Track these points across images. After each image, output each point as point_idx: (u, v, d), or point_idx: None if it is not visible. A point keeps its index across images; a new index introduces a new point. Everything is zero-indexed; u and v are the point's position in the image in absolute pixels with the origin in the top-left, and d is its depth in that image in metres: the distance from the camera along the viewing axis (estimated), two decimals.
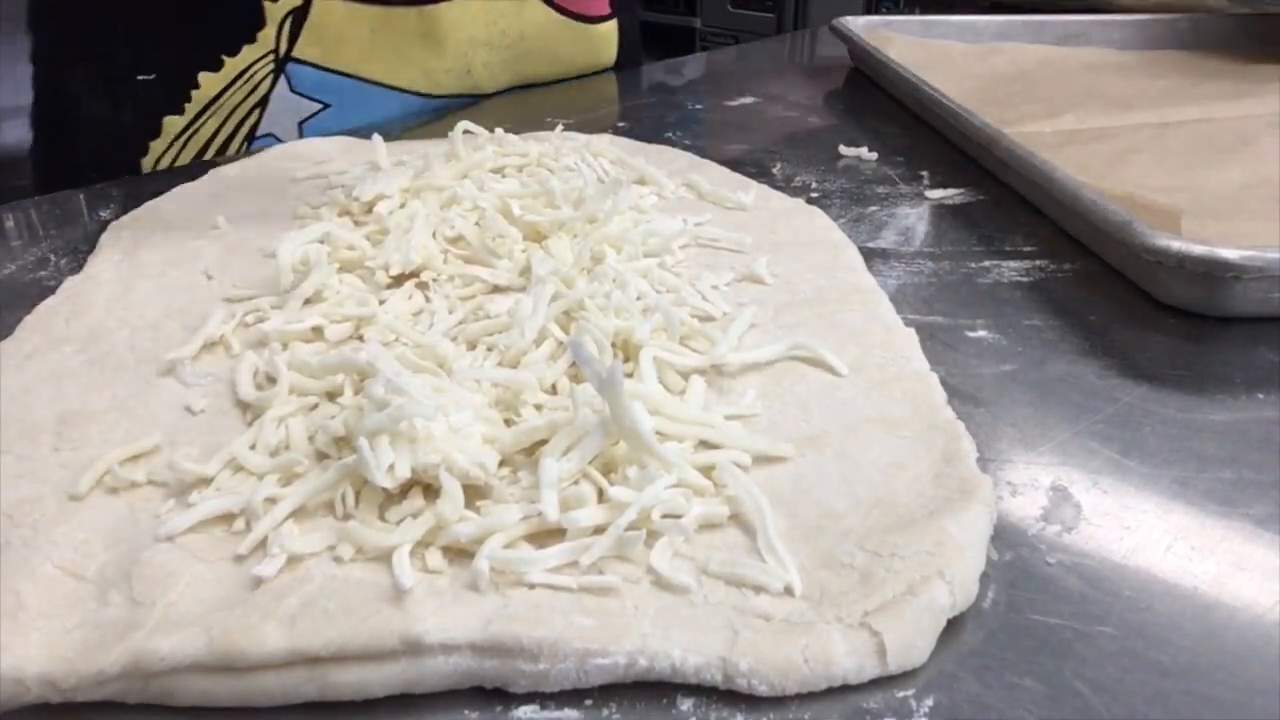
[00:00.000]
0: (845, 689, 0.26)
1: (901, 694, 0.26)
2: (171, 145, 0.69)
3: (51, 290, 0.45)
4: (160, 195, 0.55)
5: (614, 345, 0.39)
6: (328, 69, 0.71)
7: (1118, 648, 0.27)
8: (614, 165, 0.57)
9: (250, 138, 0.71)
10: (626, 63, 0.88)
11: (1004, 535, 0.32)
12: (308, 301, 0.42)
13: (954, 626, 0.28)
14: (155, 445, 0.34)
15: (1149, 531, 0.32)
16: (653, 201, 0.53)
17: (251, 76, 0.68)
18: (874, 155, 0.65)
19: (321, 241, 0.45)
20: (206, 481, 0.32)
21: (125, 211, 0.53)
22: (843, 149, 0.66)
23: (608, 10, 0.85)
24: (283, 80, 0.70)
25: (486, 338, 0.39)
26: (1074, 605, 0.29)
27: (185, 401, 0.37)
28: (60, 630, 0.27)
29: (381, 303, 0.42)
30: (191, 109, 0.68)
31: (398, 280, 0.44)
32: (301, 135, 0.71)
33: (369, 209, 0.50)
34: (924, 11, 0.96)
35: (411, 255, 0.44)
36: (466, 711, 0.26)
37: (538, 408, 0.35)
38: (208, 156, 0.69)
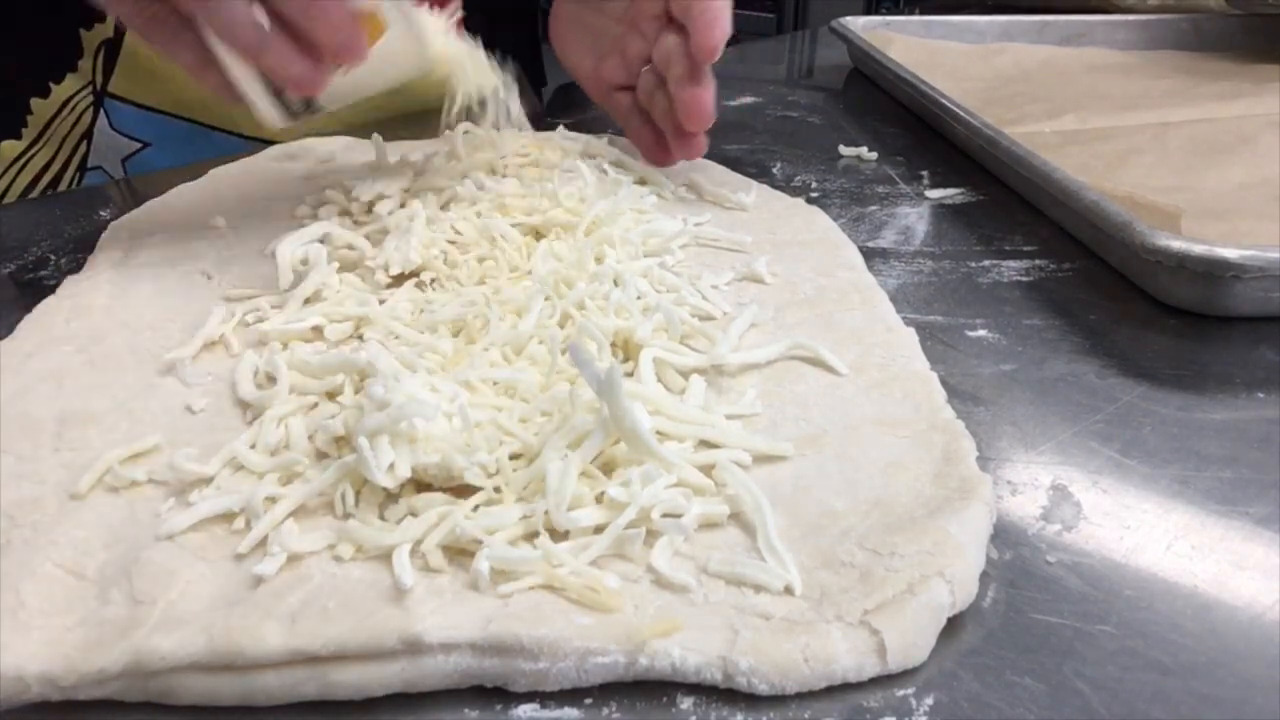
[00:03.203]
0: (845, 688, 0.26)
1: (901, 693, 0.26)
2: (8, 171, 0.68)
3: (51, 290, 0.45)
4: (160, 195, 0.55)
5: (614, 345, 0.39)
6: (146, 106, 0.68)
7: (1118, 646, 0.27)
8: (614, 165, 0.57)
9: (82, 169, 0.69)
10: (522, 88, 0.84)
11: (1004, 534, 0.32)
12: (307, 301, 0.42)
13: (954, 625, 0.28)
14: (155, 445, 0.34)
15: (1149, 531, 0.32)
16: (653, 201, 0.53)
17: (75, 106, 0.67)
18: (874, 155, 0.65)
19: (321, 241, 0.45)
20: (207, 481, 0.32)
21: (125, 211, 0.53)
22: (843, 149, 0.66)
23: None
24: (103, 115, 0.68)
25: (486, 337, 0.39)
26: (1074, 604, 0.29)
27: (185, 401, 0.37)
28: (61, 629, 0.27)
29: (381, 303, 0.42)
30: (27, 134, 0.67)
31: (398, 280, 0.44)
32: (126, 173, 0.69)
33: (369, 209, 0.50)
34: (924, 12, 0.96)
35: (411, 255, 0.44)
36: (466, 710, 0.26)
37: (539, 412, 0.35)
38: (41, 184, 0.68)
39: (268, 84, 0.44)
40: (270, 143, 0.67)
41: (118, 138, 0.69)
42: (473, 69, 0.50)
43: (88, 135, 0.68)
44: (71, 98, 0.67)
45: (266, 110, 0.45)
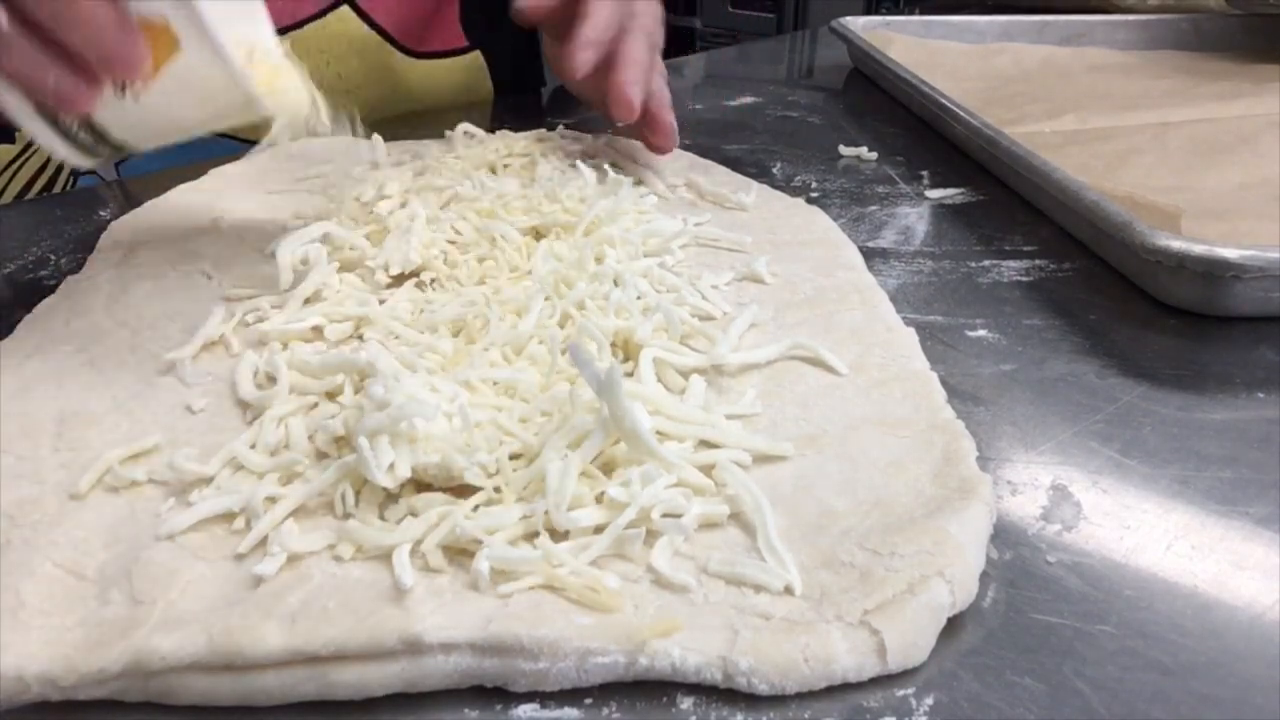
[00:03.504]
0: (845, 688, 0.26)
1: (901, 693, 0.26)
2: (2, 175, 0.67)
3: (51, 290, 0.45)
4: (160, 195, 0.55)
5: (614, 345, 0.39)
6: None
7: (1118, 646, 0.27)
8: (613, 165, 0.57)
9: (75, 172, 0.68)
10: (519, 87, 0.84)
11: (1004, 534, 0.32)
12: (307, 301, 0.42)
13: (954, 625, 0.28)
14: (155, 445, 0.34)
15: (1149, 531, 0.32)
16: (652, 201, 0.53)
17: None
18: (874, 155, 0.65)
19: (321, 241, 0.45)
20: (207, 481, 0.32)
21: (125, 211, 0.53)
22: (843, 149, 0.66)
23: (463, 43, 0.79)
24: None
25: (486, 337, 0.39)
26: (1074, 604, 0.29)
27: (185, 401, 0.37)
28: (61, 628, 0.27)
29: (381, 302, 0.42)
30: (21, 138, 0.67)
31: (398, 280, 0.44)
32: (120, 175, 0.68)
33: (369, 209, 0.50)
34: (924, 12, 0.96)
35: (411, 255, 0.44)
36: (466, 710, 0.26)
37: (539, 412, 0.35)
38: (36, 188, 0.67)
39: (43, 109, 0.37)
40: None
41: None
42: (294, 104, 0.41)
43: None
44: None
45: (46, 138, 0.38)
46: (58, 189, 0.68)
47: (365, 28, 0.70)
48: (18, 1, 0.33)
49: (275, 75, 0.39)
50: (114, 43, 0.34)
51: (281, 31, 0.40)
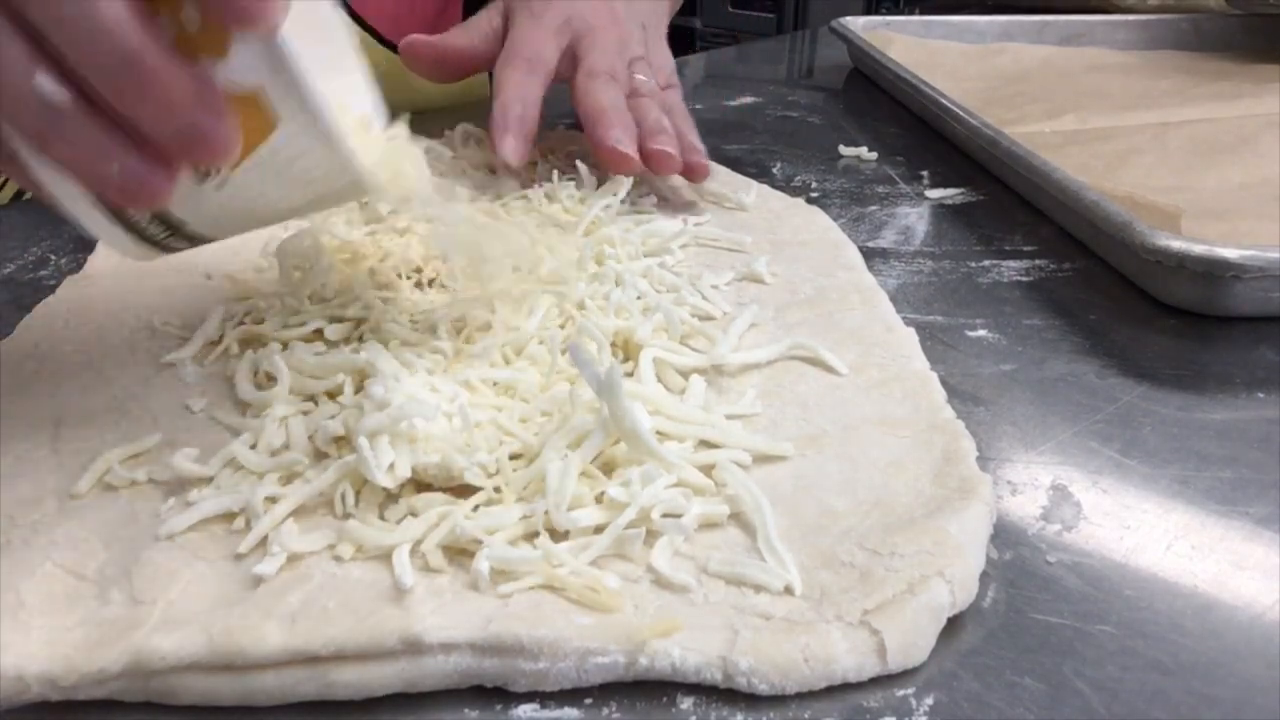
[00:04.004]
0: (845, 688, 0.26)
1: (901, 693, 0.26)
2: None
3: (51, 290, 0.45)
4: None
5: (614, 345, 0.39)
6: None
7: (1118, 646, 0.27)
8: None
9: None
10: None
11: (1004, 534, 0.32)
12: (307, 300, 0.42)
13: (954, 625, 0.28)
14: (155, 444, 0.34)
15: (1149, 530, 0.32)
16: (653, 201, 0.53)
17: None
18: (874, 155, 0.65)
19: (321, 241, 0.45)
20: (206, 481, 0.32)
21: None
22: (843, 149, 0.66)
23: None
24: None
25: (486, 337, 0.39)
26: (1074, 604, 0.29)
27: (185, 401, 0.37)
28: (61, 628, 0.27)
29: (383, 301, 0.42)
30: None
31: (397, 280, 0.44)
32: None
33: (369, 208, 0.49)
34: (924, 12, 0.96)
35: (411, 255, 0.44)
36: (466, 710, 0.26)
37: (539, 412, 0.35)
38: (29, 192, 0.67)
39: (104, 199, 0.30)
40: None
41: None
42: (410, 181, 0.35)
43: None
44: None
45: (104, 234, 0.31)
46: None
47: (359, 29, 0.70)
48: (80, 74, 0.26)
49: (385, 150, 0.34)
50: (197, 122, 0.27)
51: None
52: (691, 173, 0.53)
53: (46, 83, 0.26)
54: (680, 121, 0.55)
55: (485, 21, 0.59)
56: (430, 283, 0.44)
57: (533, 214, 0.49)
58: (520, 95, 0.53)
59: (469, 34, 0.59)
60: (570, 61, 0.56)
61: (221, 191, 0.30)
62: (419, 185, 0.35)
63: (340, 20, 0.33)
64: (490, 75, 0.79)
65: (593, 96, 0.53)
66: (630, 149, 0.51)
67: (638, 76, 0.57)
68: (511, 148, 0.52)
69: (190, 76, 0.27)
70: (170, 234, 0.32)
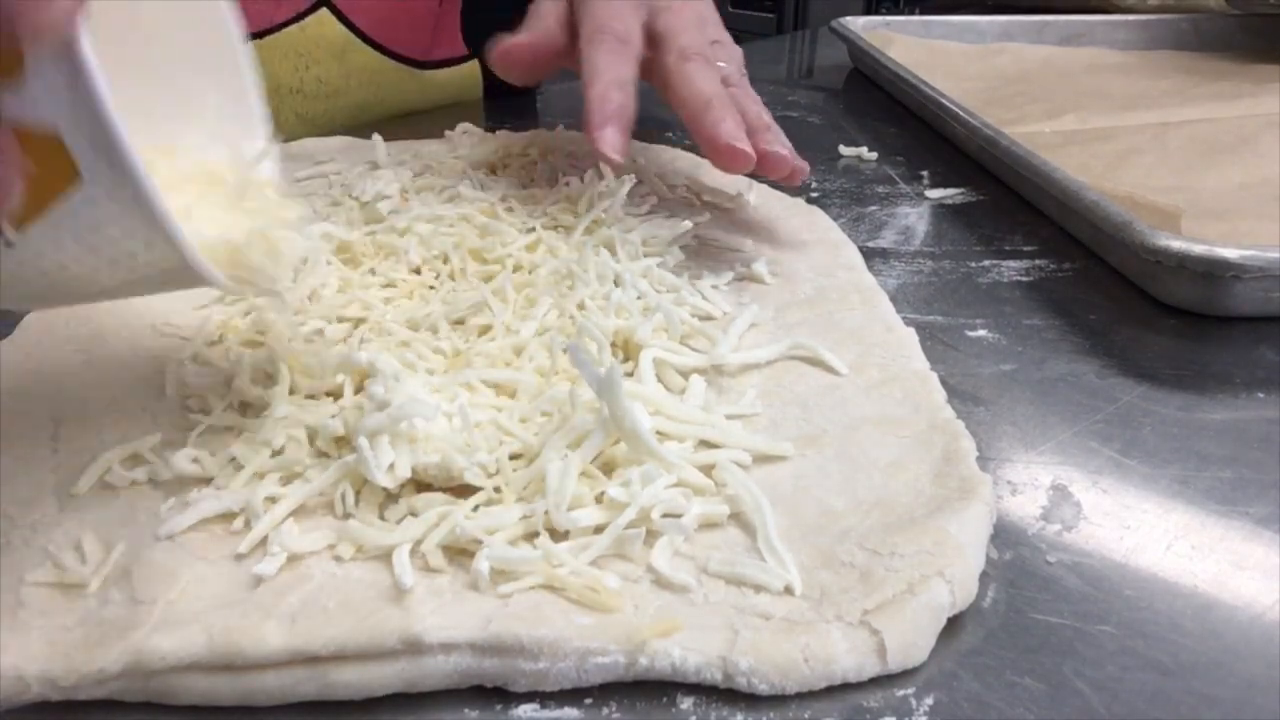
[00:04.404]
0: (845, 688, 0.26)
1: (901, 693, 0.26)
2: None
3: None
4: None
5: (614, 345, 0.39)
6: None
7: (1118, 646, 0.27)
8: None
9: None
10: (517, 88, 0.75)
11: (1004, 534, 0.32)
12: (307, 300, 0.42)
13: (954, 625, 0.28)
14: (155, 444, 0.34)
15: (1149, 531, 0.32)
16: (653, 201, 0.53)
17: None
18: (874, 155, 0.65)
19: (321, 241, 0.45)
20: (206, 481, 0.32)
21: None
22: (843, 149, 0.66)
23: (464, 51, 0.77)
24: None
25: (486, 338, 0.39)
26: (1074, 604, 0.29)
27: (185, 401, 0.37)
28: (61, 628, 0.27)
29: (386, 301, 0.42)
30: None
31: (398, 280, 0.44)
32: None
33: (369, 208, 0.50)
34: (924, 12, 0.96)
35: (411, 255, 0.44)
36: (466, 710, 0.26)
37: (539, 412, 0.35)
38: None
39: None
40: None
41: None
42: (284, 247, 0.30)
43: None
44: None
45: None
46: None
47: (346, 30, 0.69)
48: None
49: (262, 217, 0.28)
50: None
51: (256, 36, 0.30)
52: (796, 176, 0.48)
53: None
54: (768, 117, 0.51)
55: (551, 12, 0.54)
56: (434, 279, 0.44)
57: (534, 214, 0.48)
58: (617, 80, 0.48)
59: (547, 28, 0.53)
60: (651, 43, 0.52)
61: (10, 254, 0.25)
62: (280, 275, 0.29)
63: (228, 24, 0.27)
64: (485, 72, 0.78)
65: (695, 83, 0.48)
66: (747, 145, 0.46)
67: (721, 64, 0.52)
68: (612, 141, 0.46)
69: None
70: None
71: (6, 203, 0.23)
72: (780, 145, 0.47)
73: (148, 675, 0.26)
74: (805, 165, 0.49)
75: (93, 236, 0.24)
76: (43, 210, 0.23)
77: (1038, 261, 0.50)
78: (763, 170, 0.47)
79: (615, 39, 0.50)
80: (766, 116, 0.49)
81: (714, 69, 0.50)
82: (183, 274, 0.26)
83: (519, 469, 0.32)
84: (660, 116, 0.74)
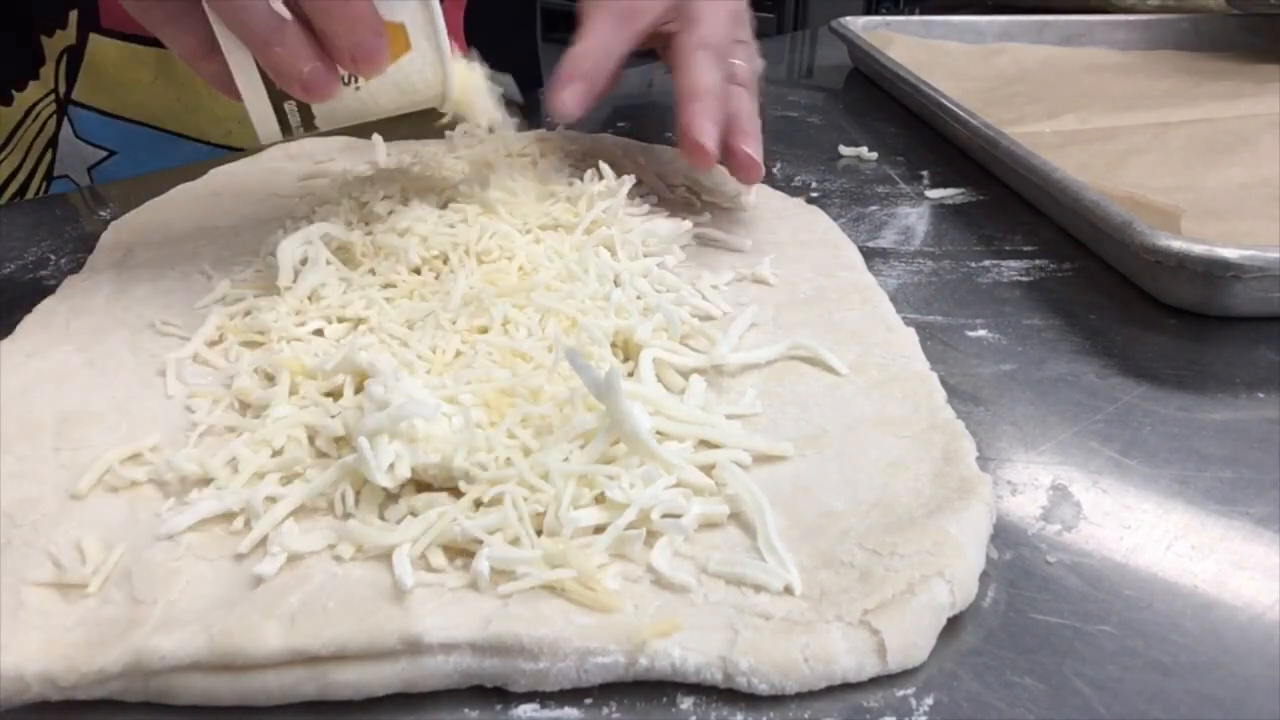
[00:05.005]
0: (845, 687, 0.26)
1: (901, 693, 0.26)
2: None
3: (51, 290, 0.45)
4: (160, 195, 0.55)
5: (614, 345, 0.39)
6: (110, 114, 0.67)
7: (1118, 646, 0.27)
8: (613, 165, 0.56)
9: (48, 178, 0.68)
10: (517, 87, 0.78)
11: (1004, 534, 0.32)
12: (307, 300, 0.42)
13: (954, 625, 0.28)
14: (155, 445, 0.34)
15: (1149, 530, 0.32)
16: (653, 201, 0.53)
17: (38, 114, 0.66)
18: (874, 155, 0.65)
19: (321, 241, 0.45)
20: (207, 481, 0.32)
21: (125, 211, 0.53)
22: (843, 149, 0.66)
23: (466, 53, 0.78)
24: (67, 124, 0.66)
25: (486, 336, 0.39)
26: (1074, 604, 0.29)
27: (185, 401, 0.37)
28: (61, 628, 0.27)
29: (387, 300, 0.42)
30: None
31: (398, 279, 0.44)
32: (92, 181, 0.68)
33: (369, 208, 0.49)
34: (924, 12, 0.96)
35: (411, 255, 0.44)
36: (466, 710, 0.26)
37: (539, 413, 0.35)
38: (8, 193, 0.67)
39: (269, 87, 0.40)
40: (239, 149, 0.65)
41: (83, 146, 0.68)
42: (481, 107, 0.46)
43: (53, 144, 0.67)
44: (34, 106, 0.66)
45: (261, 116, 0.41)
46: (29, 195, 0.67)
47: None
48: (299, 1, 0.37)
49: (467, 77, 0.45)
50: (369, 40, 0.38)
51: None
52: (745, 175, 0.49)
53: (278, 3, 0.37)
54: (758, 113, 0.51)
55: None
56: (434, 279, 0.44)
57: (534, 213, 0.48)
58: (601, 45, 0.49)
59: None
60: (678, 21, 0.51)
61: (355, 95, 0.41)
62: (483, 108, 0.46)
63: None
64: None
65: (696, 72, 0.48)
66: (714, 146, 0.47)
67: (735, 61, 0.52)
68: (568, 96, 0.47)
69: (370, 7, 0.38)
70: (300, 124, 0.42)
71: (383, 66, 0.40)
72: (756, 151, 0.48)
73: (148, 675, 0.26)
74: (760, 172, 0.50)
75: (404, 81, 0.42)
76: (385, 68, 0.40)
77: (1038, 261, 0.50)
78: (730, 167, 0.49)
79: (619, 9, 0.50)
80: (756, 124, 0.50)
81: (723, 64, 0.50)
82: (436, 100, 0.44)
83: (519, 469, 0.32)
84: (662, 117, 0.74)
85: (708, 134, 0.46)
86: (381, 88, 0.42)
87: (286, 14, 0.37)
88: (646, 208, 0.52)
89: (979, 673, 0.27)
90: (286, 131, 0.42)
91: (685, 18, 0.51)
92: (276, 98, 0.41)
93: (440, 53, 0.42)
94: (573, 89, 0.48)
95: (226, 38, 0.38)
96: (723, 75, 0.50)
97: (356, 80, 0.41)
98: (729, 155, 0.48)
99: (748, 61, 0.53)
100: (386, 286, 0.44)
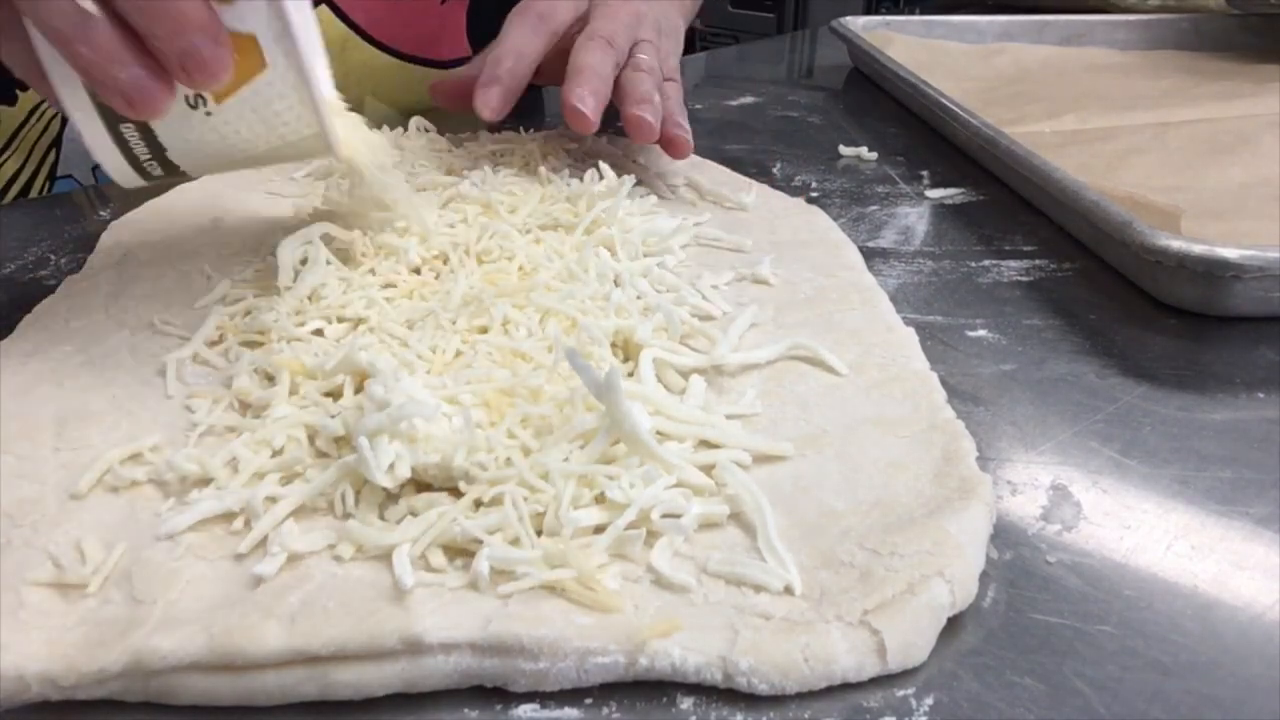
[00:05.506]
0: (845, 687, 0.26)
1: (901, 693, 0.26)
2: None
3: (51, 290, 0.45)
4: (160, 195, 0.55)
5: (614, 345, 0.39)
6: None
7: (1118, 646, 0.27)
8: (613, 165, 0.56)
9: (52, 177, 0.68)
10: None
11: (1004, 534, 0.32)
12: (307, 300, 0.42)
13: (954, 625, 0.28)
14: (155, 445, 0.34)
15: (1149, 530, 0.32)
16: (653, 201, 0.53)
17: (43, 114, 0.66)
18: (874, 155, 0.65)
19: (321, 241, 0.45)
20: (207, 481, 0.32)
21: (125, 211, 0.53)
22: (843, 149, 0.66)
23: (468, 52, 0.77)
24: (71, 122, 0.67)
25: (486, 336, 0.39)
26: (1074, 604, 0.29)
27: (185, 401, 0.37)
28: (61, 628, 0.27)
29: (387, 300, 0.42)
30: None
31: (398, 279, 0.44)
32: (96, 180, 0.67)
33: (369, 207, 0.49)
34: (924, 12, 0.96)
35: (411, 255, 0.44)
36: (466, 710, 0.26)
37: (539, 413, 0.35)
38: (11, 194, 0.67)
39: (103, 111, 0.34)
40: None
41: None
42: (363, 145, 0.41)
43: (57, 143, 0.67)
44: (39, 105, 0.66)
45: (98, 144, 0.35)
46: (33, 195, 0.67)
47: (345, 28, 0.69)
48: None
49: (348, 126, 0.39)
50: (200, 44, 0.32)
51: None
52: (670, 145, 0.53)
53: (89, 2, 0.31)
54: (673, 103, 0.55)
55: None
56: (434, 278, 0.44)
57: (533, 214, 0.48)
58: (518, 48, 0.53)
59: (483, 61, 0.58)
60: (580, 22, 0.56)
61: (205, 122, 0.35)
62: (371, 158, 0.41)
63: (313, 17, 0.37)
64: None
65: (580, 56, 0.52)
66: (590, 111, 0.50)
67: (640, 55, 0.56)
68: (491, 100, 0.51)
69: (203, 7, 0.32)
70: (152, 158, 0.36)
71: (223, 79, 0.33)
72: (648, 114, 0.52)
73: (148, 675, 0.26)
74: (685, 139, 0.54)
75: (265, 109, 0.35)
76: (236, 90, 0.34)
77: (1038, 261, 0.50)
78: (629, 133, 0.53)
79: (534, 15, 0.54)
80: (657, 97, 0.53)
81: (610, 52, 0.53)
82: (313, 141, 0.37)
83: (519, 469, 0.32)
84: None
85: (582, 99, 0.50)
86: (239, 116, 0.35)
87: (94, 9, 0.31)
88: (647, 208, 0.52)
89: (979, 673, 0.27)
90: (139, 169, 0.36)
91: (586, 18, 0.56)
92: (111, 120, 0.35)
93: (303, 74, 0.34)
94: (493, 91, 0.51)
95: (42, 44, 0.32)
96: (607, 59, 0.53)
97: (205, 102, 0.34)
98: (625, 123, 0.52)
99: (653, 58, 0.56)
100: (386, 286, 0.44)
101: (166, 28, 0.31)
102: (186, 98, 0.34)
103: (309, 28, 0.35)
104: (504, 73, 0.52)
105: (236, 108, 0.35)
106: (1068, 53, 0.89)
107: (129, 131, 0.35)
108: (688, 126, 0.55)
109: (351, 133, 0.39)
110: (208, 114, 0.35)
